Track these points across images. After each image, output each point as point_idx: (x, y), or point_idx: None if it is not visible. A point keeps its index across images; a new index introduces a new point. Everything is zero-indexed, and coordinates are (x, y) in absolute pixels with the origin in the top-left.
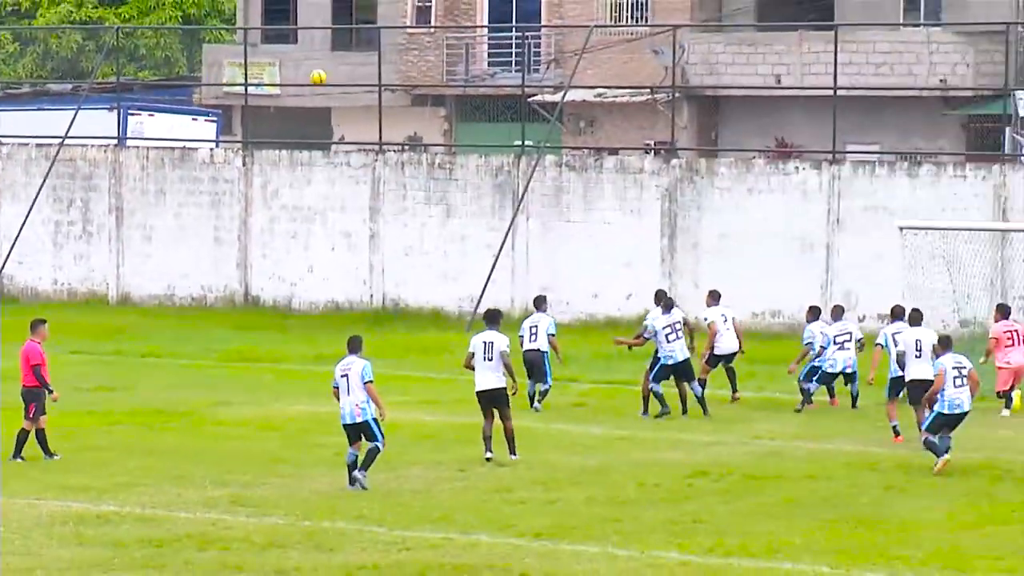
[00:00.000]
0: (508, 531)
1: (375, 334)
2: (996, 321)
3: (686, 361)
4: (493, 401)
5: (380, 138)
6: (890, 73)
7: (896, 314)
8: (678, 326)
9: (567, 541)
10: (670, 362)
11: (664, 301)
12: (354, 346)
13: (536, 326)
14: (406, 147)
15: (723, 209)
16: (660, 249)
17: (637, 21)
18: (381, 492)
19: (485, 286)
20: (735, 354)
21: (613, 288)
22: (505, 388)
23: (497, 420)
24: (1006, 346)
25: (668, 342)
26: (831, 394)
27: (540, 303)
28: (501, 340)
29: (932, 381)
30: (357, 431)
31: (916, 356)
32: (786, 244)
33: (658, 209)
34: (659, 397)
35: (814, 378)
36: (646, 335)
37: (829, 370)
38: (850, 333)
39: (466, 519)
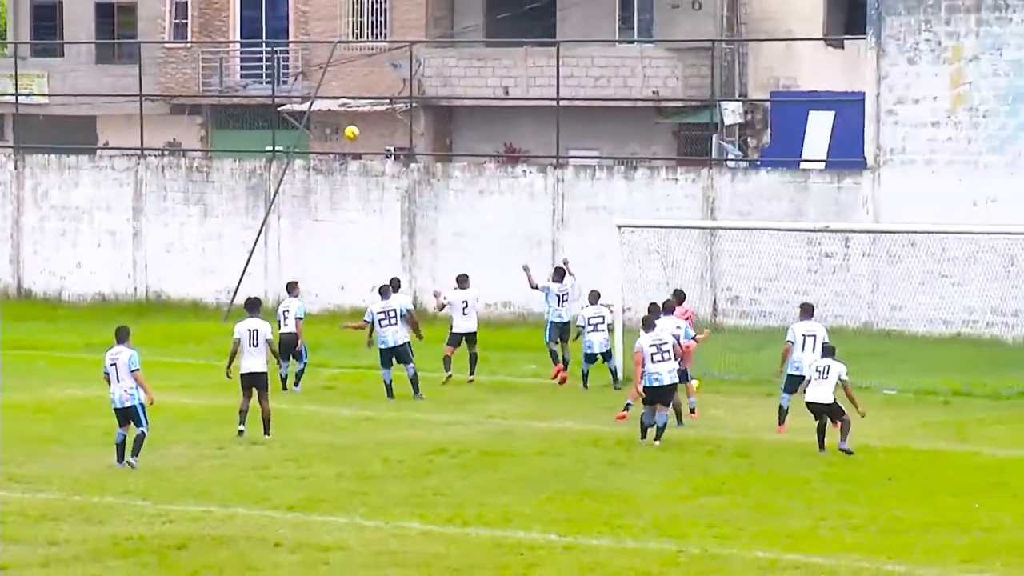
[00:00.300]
0: (263, 504)
1: (140, 324)
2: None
3: (402, 345)
4: (255, 383)
5: (142, 144)
6: (607, 85)
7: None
8: (392, 313)
9: (318, 513)
10: (383, 346)
11: (381, 289)
12: (122, 336)
13: (288, 311)
14: (166, 152)
15: (458, 209)
16: (400, 246)
17: (377, 37)
18: (146, 469)
19: (240, 279)
20: (474, 334)
21: (358, 281)
22: (267, 372)
23: (255, 401)
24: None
25: (382, 327)
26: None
27: (291, 288)
28: (264, 327)
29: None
30: (126, 415)
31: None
32: (515, 241)
33: (398, 209)
34: (387, 385)
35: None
36: (367, 319)
37: (587, 351)
38: (603, 316)
39: (224, 493)
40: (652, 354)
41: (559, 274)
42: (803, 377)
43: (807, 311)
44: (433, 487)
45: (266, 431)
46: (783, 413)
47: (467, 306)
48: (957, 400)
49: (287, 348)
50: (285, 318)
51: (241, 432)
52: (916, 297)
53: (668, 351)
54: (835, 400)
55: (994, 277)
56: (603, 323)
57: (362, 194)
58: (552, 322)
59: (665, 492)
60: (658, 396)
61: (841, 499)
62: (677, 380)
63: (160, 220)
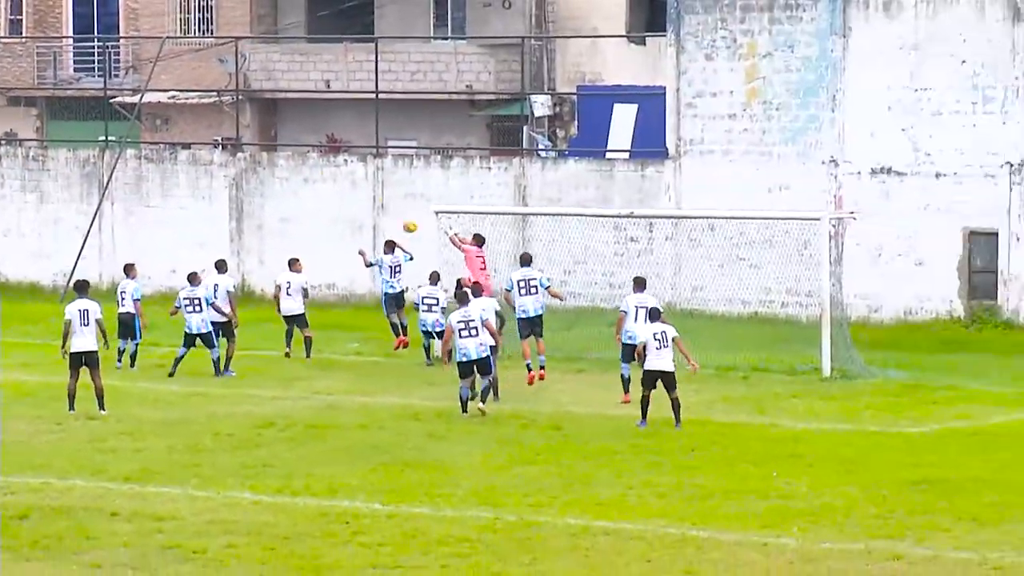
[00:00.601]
0: (100, 476)
1: None
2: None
3: (207, 332)
4: (87, 361)
5: None
6: (423, 79)
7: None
8: (197, 301)
9: (152, 484)
10: (187, 331)
11: (189, 276)
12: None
13: (124, 292)
14: (2, 142)
15: (283, 196)
16: (229, 231)
17: (203, 34)
18: None
19: (76, 263)
20: (301, 315)
21: (188, 264)
22: (97, 351)
23: (87, 378)
24: None
25: (187, 312)
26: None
27: (128, 270)
28: (94, 307)
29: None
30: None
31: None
32: (338, 226)
33: (226, 196)
34: (214, 364)
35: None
36: (177, 304)
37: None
38: (437, 298)
39: (63, 466)
40: (460, 329)
41: (390, 246)
42: (635, 346)
43: (640, 284)
44: (262, 459)
45: (100, 406)
46: (625, 383)
47: (290, 287)
48: (755, 375)
49: (125, 327)
50: (122, 299)
51: (72, 410)
52: (716, 279)
53: (476, 327)
54: (674, 368)
55: (789, 260)
56: (437, 305)
57: (191, 182)
58: (386, 293)
59: (482, 463)
60: (468, 370)
61: (648, 469)
62: (487, 354)
63: None
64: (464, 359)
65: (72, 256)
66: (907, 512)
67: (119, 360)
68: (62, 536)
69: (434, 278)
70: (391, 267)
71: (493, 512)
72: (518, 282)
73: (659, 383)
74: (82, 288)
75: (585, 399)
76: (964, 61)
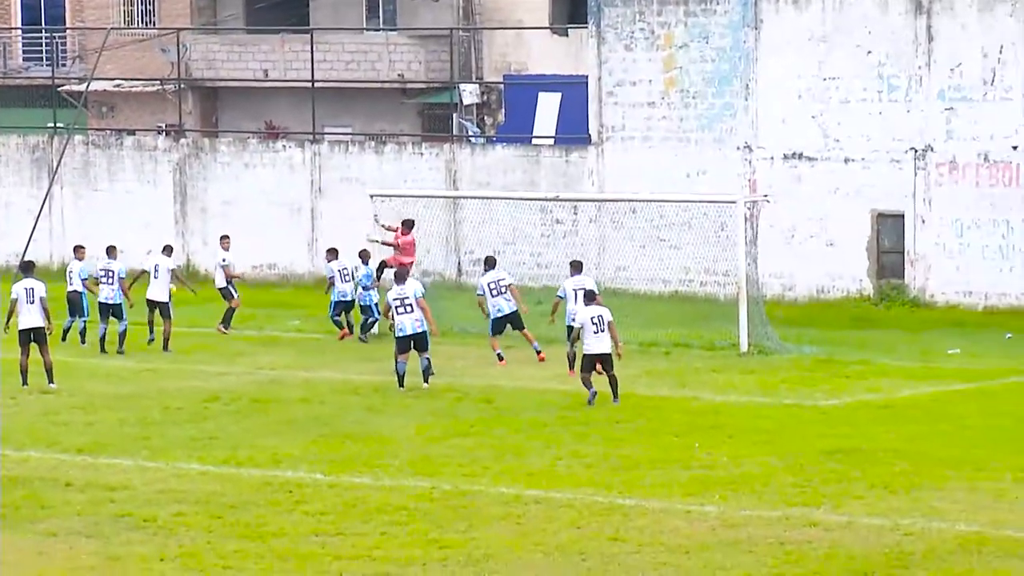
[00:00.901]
0: (54, 448)
1: None
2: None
3: (118, 304)
4: (34, 338)
5: None
6: (357, 68)
7: (575, 267)
8: (111, 273)
9: (105, 456)
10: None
11: (107, 248)
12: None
13: (72, 271)
14: None
15: (225, 180)
16: (174, 213)
17: (147, 25)
18: None
19: (28, 244)
20: (221, 289)
21: (135, 245)
22: (44, 328)
23: (36, 354)
24: None
25: (101, 284)
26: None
27: (76, 251)
28: (40, 286)
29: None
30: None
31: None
32: (278, 209)
33: (171, 180)
34: (120, 336)
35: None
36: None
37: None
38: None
39: (18, 438)
40: (396, 307)
41: (333, 253)
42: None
43: (576, 267)
44: (209, 431)
45: (50, 380)
46: (571, 359)
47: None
48: (676, 351)
49: (72, 305)
50: (70, 278)
51: (25, 385)
52: (638, 259)
53: (410, 304)
54: (611, 350)
55: (707, 241)
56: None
57: (137, 167)
58: (338, 301)
59: (418, 435)
60: (405, 345)
61: (576, 440)
62: (422, 330)
63: None
64: (401, 334)
65: (23, 238)
66: (822, 481)
67: (63, 338)
68: (18, 506)
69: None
70: (341, 272)
71: (430, 482)
72: (488, 285)
73: (597, 364)
74: (27, 268)
75: (515, 374)
76: (870, 52)
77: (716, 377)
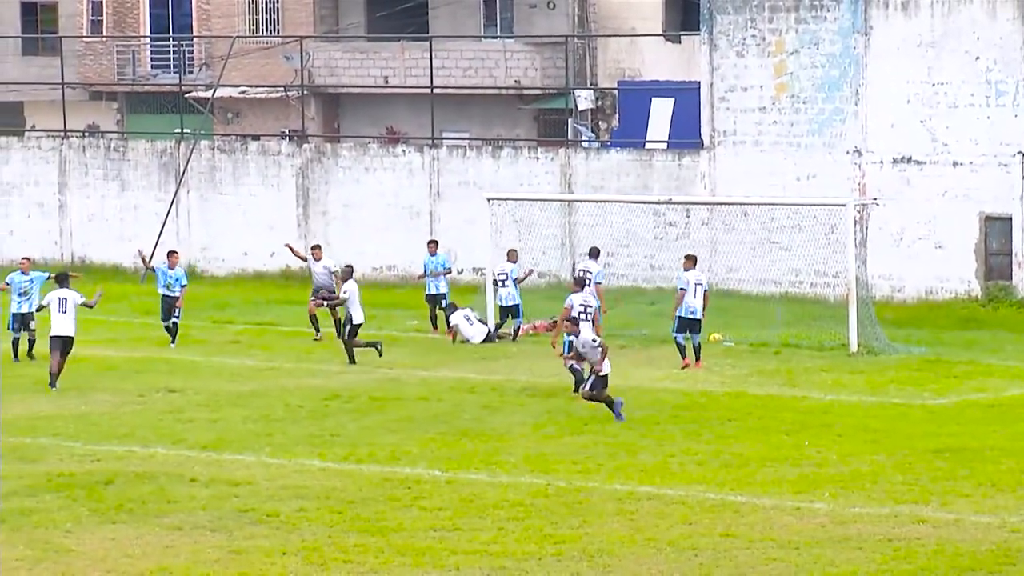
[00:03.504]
0: (180, 444)
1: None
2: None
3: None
4: (61, 344)
5: (64, 126)
6: (475, 75)
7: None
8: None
9: (229, 452)
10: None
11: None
12: (61, 280)
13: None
14: (86, 134)
15: (346, 184)
16: (296, 216)
17: (271, 33)
18: (74, 414)
19: (155, 246)
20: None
21: (259, 248)
22: (73, 336)
23: (59, 358)
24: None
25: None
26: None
27: (170, 256)
28: (73, 296)
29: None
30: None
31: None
32: (397, 212)
33: (294, 184)
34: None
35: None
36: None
37: (499, 304)
38: (507, 273)
39: (145, 435)
40: (579, 314)
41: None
42: (693, 320)
43: (692, 260)
44: (330, 429)
45: (52, 383)
46: (681, 349)
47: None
48: (786, 351)
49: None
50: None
51: (53, 387)
52: (749, 261)
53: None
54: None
55: (817, 243)
56: (508, 279)
57: (261, 171)
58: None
59: (534, 432)
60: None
61: (687, 438)
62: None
63: (83, 193)
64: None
65: (151, 239)
66: (930, 479)
67: (172, 341)
68: (145, 500)
69: (512, 256)
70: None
71: (545, 478)
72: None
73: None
74: (62, 280)
75: (628, 373)
76: (978, 57)
77: (825, 377)
